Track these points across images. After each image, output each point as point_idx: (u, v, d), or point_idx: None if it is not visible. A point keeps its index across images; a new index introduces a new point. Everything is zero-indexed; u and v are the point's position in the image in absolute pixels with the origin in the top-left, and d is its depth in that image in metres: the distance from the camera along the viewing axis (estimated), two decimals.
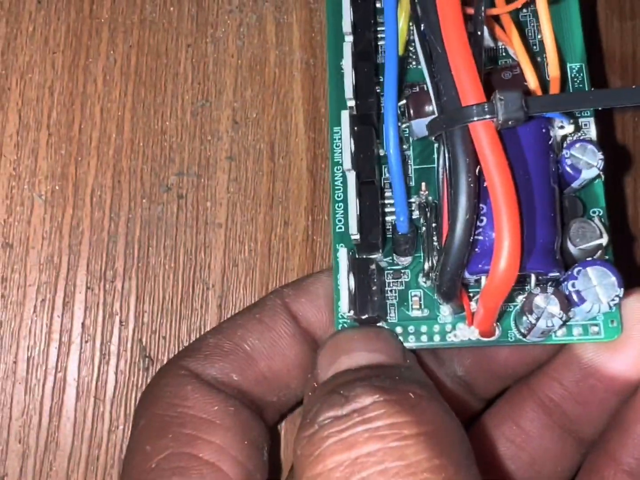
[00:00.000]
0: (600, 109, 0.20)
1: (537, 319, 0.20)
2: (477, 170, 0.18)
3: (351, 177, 0.20)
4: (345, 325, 0.22)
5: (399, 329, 0.22)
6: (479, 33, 0.19)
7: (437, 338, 0.22)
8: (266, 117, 0.28)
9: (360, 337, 0.21)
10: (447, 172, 0.19)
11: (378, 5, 0.23)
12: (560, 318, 0.19)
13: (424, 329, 0.22)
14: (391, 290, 0.22)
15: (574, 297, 0.20)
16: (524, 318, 0.20)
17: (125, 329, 0.26)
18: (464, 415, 0.24)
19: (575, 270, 0.20)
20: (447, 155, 0.18)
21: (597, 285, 0.20)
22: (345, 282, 0.20)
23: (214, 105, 0.28)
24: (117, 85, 0.27)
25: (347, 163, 0.20)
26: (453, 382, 0.24)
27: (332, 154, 0.23)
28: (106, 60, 0.27)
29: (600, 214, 0.22)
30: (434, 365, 0.24)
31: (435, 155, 0.22)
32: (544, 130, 0.20)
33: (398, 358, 0.20)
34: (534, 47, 0.23)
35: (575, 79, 0.23)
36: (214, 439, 0.20)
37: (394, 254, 0.22)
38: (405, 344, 0.22)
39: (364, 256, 0.21)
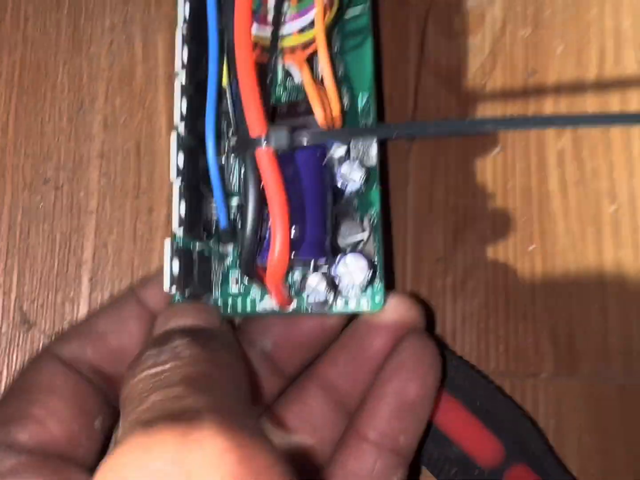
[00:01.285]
0: (349, 142, 0.26)
1: (308, 295, 0.25)
2: (261, 185, 0.23)
3: (176, 184, 0.25)
4: (179, 301, 0.27)
5: (220, 303, 0.27)
6: (269, 79, 0.25)
7: (248, 308, 0.27)
8: (133, 122, 0.33)
9: (188, 307, 0.25)
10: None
11: None
12: (323, 293, 0.25)
13: (239, 302, 0.27)
14: (215, 272, 0.28)
15: (337, 278, 0.25)
16: (302, 294, 0.26)
17: (7, 298, 0.31)
18: (271, 392, 0.28)
19: (338, 258, 0.25)
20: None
21: (354, 269, 0.25)
22: (168, 266, 0.25)
23: (87, 111, 0.33)
24: (2, 94, 0.32)
25: (173, 173, 0.25)
26: (261, 361, 0.28)
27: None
28: None
29: (373, 215, 0.27)
30: (246, 346, 0.27)
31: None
32: (317, 155, 0.26)
33: (216, 324, 0.25)
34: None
35: (365, 108, 0.27)
36: (47, 402, 0.24)
37: (219, 243, 0.27)
38: (226, 314, 0.27)
39: (190, 246, 0.26)
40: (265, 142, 0.23)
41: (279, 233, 0.23)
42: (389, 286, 0.27)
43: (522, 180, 0.31)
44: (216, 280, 0.28)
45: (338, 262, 0.25)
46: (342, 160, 0.26)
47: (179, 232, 0.25)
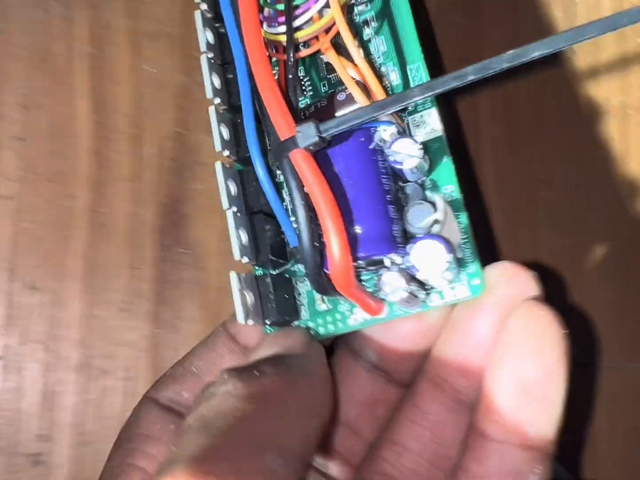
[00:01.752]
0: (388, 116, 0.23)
1: (387, 294, 0.22)
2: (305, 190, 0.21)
3: (230, 213, 0.23)
4: (270, 331, 0.25)
5: (311, 324, 0.25)
6: (290, 76, 0.23)
7: (340, 325, 0.25)
8: (52, 103, 0.31)
9: (271, 336, 0.24)
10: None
11: None
12: (405, 290, 0.22)
13: (329, 319, 0.25)
14: (299, 293, 0.25)
15: (412, 269, 0.22)
16: (380, 294, 0.23)
17: None
18: (389, 402, 0.26)
19: (408, 246, 0.22)
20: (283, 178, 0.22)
21: (428, 255, 0.21)
22: (238, 299, 0.23)
23: (4, 92, 0.30)
24: None
25: (225, 203, 0.23)
26: (371, 373, 0.26)
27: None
28: None
29: (452, 190, 0.24)
30: (351, 359, 0.26)
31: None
32: (362, 140, 0.23)
33: (296, 349, 0.23)
34: (379, 58, 0.25)
35: (415, 78, 0.25)
36: (149, 450, 0.24)
37: (296, 263, 0.25)
38: (319, 335, 0.25)
39: (262, 272, 0.25)
40: (295, 142, 0.21)
41: (333, 234, 0.21)
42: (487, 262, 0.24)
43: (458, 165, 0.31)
44: (302, 301, 0.25)
45: (410, 251, 0.22)
46: (393, 138, 0.23)
47: (243, 261, 0.23)
